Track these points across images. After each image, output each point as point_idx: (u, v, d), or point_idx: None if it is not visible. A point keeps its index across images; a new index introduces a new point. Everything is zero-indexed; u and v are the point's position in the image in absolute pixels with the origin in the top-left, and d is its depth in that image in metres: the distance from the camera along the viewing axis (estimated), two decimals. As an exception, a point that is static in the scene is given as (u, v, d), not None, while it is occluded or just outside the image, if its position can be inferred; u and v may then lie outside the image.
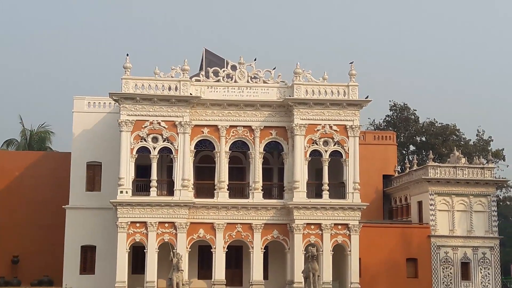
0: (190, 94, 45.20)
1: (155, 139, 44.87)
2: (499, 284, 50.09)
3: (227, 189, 45.62)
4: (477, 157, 55.67)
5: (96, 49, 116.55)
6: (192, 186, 45.36)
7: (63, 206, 47.84)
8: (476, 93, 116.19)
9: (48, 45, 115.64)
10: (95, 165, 48.43)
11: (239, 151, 46.92)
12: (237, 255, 46.74)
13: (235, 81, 46.49)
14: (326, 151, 45.83)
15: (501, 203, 72.83)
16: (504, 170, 72.01)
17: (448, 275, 49.44)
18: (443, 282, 49.26)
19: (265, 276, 45.70)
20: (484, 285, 49.50)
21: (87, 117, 48.59)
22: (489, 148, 71.90)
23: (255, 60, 46.97)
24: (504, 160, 72.73)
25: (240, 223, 45.26)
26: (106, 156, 47.66)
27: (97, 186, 48.21)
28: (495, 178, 52.78)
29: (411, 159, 61.90)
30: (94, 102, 49.03)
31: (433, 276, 49.32)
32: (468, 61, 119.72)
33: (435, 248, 49.63)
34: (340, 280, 45.36)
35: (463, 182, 50.44)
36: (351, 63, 46.90)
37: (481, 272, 49.73)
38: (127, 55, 45.47)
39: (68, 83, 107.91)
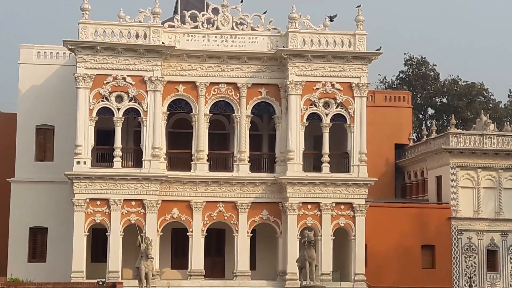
0: (162, 43, 44.89)
1: (119, 98, 44.63)
2: (532, 275, 50.52)
3: (207, 160, 45.57)
4: (508, 123, 55.73)
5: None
6: (165, 156, 45.31)
7: (7, 179, 47.70)
8: (509, 46, 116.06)
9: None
10: (46, 129, 48.35)
11: (222, 113, 46.82)
12: (218, 240, 46.88)
13: (217, 28, 46.18)
14: (326, 114, 45.77)
15: (535, 179, 73.30)
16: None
17: (472, 265, 49.83)
18: (465, 274, 49.67)
19: (252, 266, 45.91)
20: (514, 277, 50.01)
21: (37, 70, 48.36)
22: (523, 112, 72.25)
23: (241, 1, 46.62)
24: (540, 127, 73.07)
25: (222, 202, 45.32)
26: (59, 118, 47.51)
27: (48, 155, 48.17)
28: (530, 148, 53.03)
29: (429, 125, 62.02)
30: (44, 52, 48.80)
31: (454, 266, 49.73)
32: (499, 8, 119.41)
33: (456, 233, 49.93)
34: (342, 270, 45.63)
35: (491, 153, 50.65)
36: (358, 6, 46.76)
37: (511, 262, 50.13)
38: (85, -6, 45.04)
39: (13, 30, 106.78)
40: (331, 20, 46.68)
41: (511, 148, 50.98)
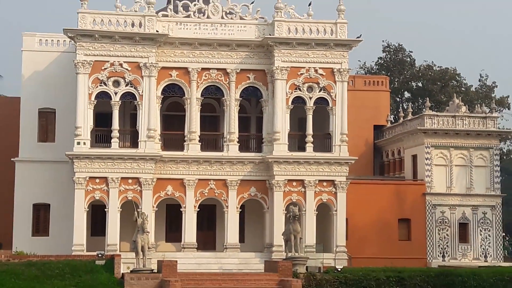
0: (156, 31, 44.59)
1: (116, 83, 44.38)
2: (501, 246, 50.77)
3: (199, 141, 45.42)
4: (479, 105, 55.92)
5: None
6: (159, 137, 45.13)
7: (12, 159, 47.50)
8: (479, 33, 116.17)
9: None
10: (48, 112, 48.05)
11: (212, 97, 46.66)
12: (209, 215, 46.83)
13: (208, 17, 45.92)
14: (310, 98, 45.67)
15: (504, 157, 73.68)
16: (508, 120, 72.78)
17: (445, 237, 49.98)
18: (439, 245, 49.84)
19: (241, 239, 45.86)
20: (484, 249, 50.14)
21: (39, 57, 48.03)
22: (493, 95, 72.42)
23: None
24: (509, 109, 73.47)
25: (213, 179, 45.22)
26: (60, 102, 47.23)
27: (50, 136, 47.95)
28: (499, 129, 53.36)
29: (405, 108, 62.14)
30: (46, 40, 48.51)
31: (428, 238, 49.83)
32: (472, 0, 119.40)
33: (430, 208, 50.04)
34: (324, 243, 45.61)
35: (463, 133, 50.70)
36: (340, -4, 46.54)
37: (481, 234, 50.29)
38: (84, -15, 44.65)
39: (16, 19, 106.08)
40: (309, 4, 46.42)
41: (481, 129, 51.02)
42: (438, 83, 72.62)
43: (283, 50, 45.28)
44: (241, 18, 46.26)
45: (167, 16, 45.74)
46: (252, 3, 46.54)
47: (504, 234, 60.51)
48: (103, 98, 44.39)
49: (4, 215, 48.09)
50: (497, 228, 50.60)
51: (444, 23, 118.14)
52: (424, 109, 53.04)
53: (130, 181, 44.00)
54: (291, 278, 38.08)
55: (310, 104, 45.73)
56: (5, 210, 48.03)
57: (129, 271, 38.66)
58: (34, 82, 47.73)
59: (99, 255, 39.16)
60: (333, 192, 45.48)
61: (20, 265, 37.73)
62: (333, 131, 45.69)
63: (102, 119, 45.04)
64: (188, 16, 45.86)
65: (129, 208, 42.70)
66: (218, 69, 45.66)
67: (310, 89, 45.79)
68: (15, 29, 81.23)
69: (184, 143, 45.40)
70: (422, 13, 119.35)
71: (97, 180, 43.73)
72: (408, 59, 74.71)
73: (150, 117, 44.27)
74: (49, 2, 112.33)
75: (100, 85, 44.24)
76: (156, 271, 38.69)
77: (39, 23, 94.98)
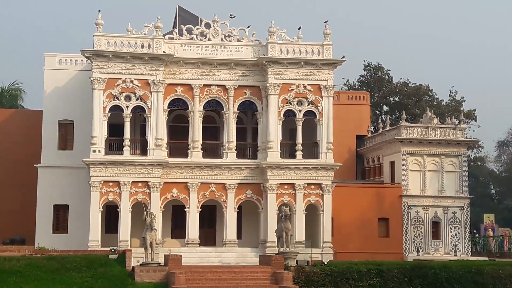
0: (163, 52, 44.58)
1: (128, 98, 44.33)
2: (469, 243, 50.77)
3: (201, 149, 45.34)
4: (449, 117, 55.93)
5: (67, 5, 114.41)
6: (166, 146, 45.03)
7: (35, 165, 47.33)
8: (450, 53, 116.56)
9: (18, 2, 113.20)
10: (67, 123, 47.90)
11: (213, 110, 46.57)
12: (210, 215, 46.69)
13: (209, 39, 45.92)
14: (300, 111, 45.67)
15: (472, 163, 73.75)
16: (475, 130, 72.88)
17: (419, 234, 49.93)
18: (414, 241, 49.82)
19: (239, 236, 45.74)
20: (454, 244, 50.13)
21: (59, 75, 47.85)
22: (461, 109, 72.46)
23: (230, 17, 46.44)
24: (475, 121, 73.51)
25: (214, 183, 45.13)
26: (78, 114, 47.12)
27: (69, 145, 47.75)
28: (467, 138, 53.34)
29: (384, 120, 62.06)
30: (65, 59, 48.36)
31: (404, 235, 49.80)
32: (442, 21, 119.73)
33: (406, 208, 50.04)
34: (312, 239, 45.45)
35: (435, 142, 50.69)
36: (325, 22, 46.62)
37: (451, 231, 50.28)
38: (99, 11, 44.63)
39: (39, 41, 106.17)
40: (299, 28, 46.58)
41: (451, 138, 51.06)
42: (413, 98, 72.67)
43: (276, 68, 45.31)
44: (238, 40, 46.26)
45: (173, 38, 45.75)
46: (248, 27, 46.60)
47: (475, 231, 60.54)
48: (116, 111, 44.35)
49: (28, 215, 47.82)
50: (465, 226, 50.59)
51: (418, 46, 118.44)
52: (400, 121, 53.04)
53: (140, 184, 43.90)
54: (283, 270, 37.98)
55: (299, 116, 45.76)
56: (28, 211, 47.76)
57: (139, 264, 38.57)
58: (54, 97, 47.57)
59: (112, 250, 39.06)
60: (320, 194, 45.42)
61: (42, 259, 37.67)
62: (320, 140, 45.70)
63: (115, 129, 44.91)
64: (192, 38, 45.88)
65: (139, 209, 42.68)
66: (218, 85, 45.61)
67: (299, 103, 45.80)
68: (38, 49, 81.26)
69: (188, 150, 45.33)
70: (399, 37, 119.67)
71: (111, 184, 43.65)
72: (387, 77, 74.73)
73: (158, 128, 44.23)
74: (69, 25, 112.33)
75: (114, 100, 44.21)
76: (163, 264, 38.58)
77: (58, 44, 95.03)
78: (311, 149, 46.20)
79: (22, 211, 48.97)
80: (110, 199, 43.66)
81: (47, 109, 47.76)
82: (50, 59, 48.15)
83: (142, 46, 44.53)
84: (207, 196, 45.12)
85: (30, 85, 73.46)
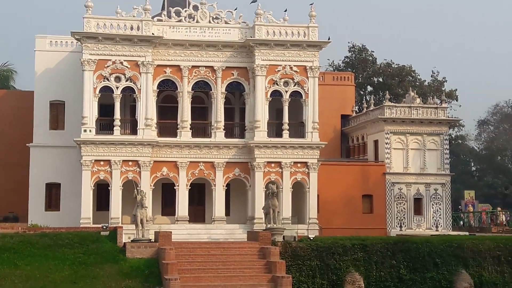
0: (152, 34, 44.48)
1: (118, 79, 44.27)
2: (450, 218, 51.31)
3: (190, 129, 45.41)
4: (431, 97, 56.16)
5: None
6: (155, 125, 45.07)
7: (27, 144, 47.29)
8: (432, 33, 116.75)
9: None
10: (58, 103, 47.81)
11: (202, 91, 46.59)
12: (199, 193, 46.85)
13: (197, 22, 45.83)
14: (286, 91, 45.79)
15: (453, 142, 74.39)
16: (456, 110, 73.48)
17: (402, 210, 50.39)
18: (397, 217, 50.26)
19: (227, 213, 45.99)
20: (435, 220, 50.66)
21: (50, 56, 47.74)
22: (443, 89, 72.84)
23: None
24: (457, 100, 74.06)
25: (203, 162, 45.25)
26: (69, 95, 47.00)
27: (60, 125, 47.72)
28: (448, 117, 53.56)
29: (368, 100, 62.32)
30: (56, 41, 48.18)
31: (388, 211, 50.24)
32: (425, 2, 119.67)
33: (389, 185, 50.42)
34: (299, 215, 45.82)
35: (417, 121, 50.99)
36: (311, 4, 46.61)
37: (432, 207, 50.76)
38: (89, -7, 44.40)
39: (30, 22, 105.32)
40: (285, 11, 46.57)
41: (433, 118, 51.40)
42: (396, 78, 72.96)
43: (263, 50, 45.32)
44: (226, 23, 46.20)
45: (161, 20, 45.65)
46: (235, 9, 46.51)
47: (460, 207, 61.13)
48: (106, 91, 44.27)
49: (20, 193, 47.77)
50: (447, 202, 51.08)
51: (402, 27, 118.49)
52: (384, 101, 53.26)
53: (130, 163, 43.96)
54: (270, 246, 38.16)
55: (286, 96, 45.89)
56: (21, 189, 47.70)
57: (130, 241, 38.59)
58: (45, 78, 47.48)
59: (104, 227, 39.15)
60: (306, 172, 45.68)
61: (35, 236, 37.72)
62: (306, 120, 45.89)
63: (105, 110, 44.88)
64: (180, 20, 45.77)
65: (130, 187, 42.73)
66: (206, 67, 45.58)
67: (286, 84, 45.90)
68: (29, 30, 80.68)
69: (177, 130, 45.39)
70: (383, 19, 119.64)
71: (102, 163, 43.68)
72: (371, 58, 74.89)
73: (147, 108, 44.25)
74: (59, 7, 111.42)
75: (104, 81, 44.13)
76: (153, 240, 38.73)
77: (49, 26, 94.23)
78: (297, 129, 46.40)
79: (15, 190, 48.93)
80: (101, 178, 43.71)
81: (39, 90, 47.66)
82: (41, 41, 47.96)
83: (131, 28, 44.40)
84: (196, 174, 45.26)
85: (21, 66, 73.13)
